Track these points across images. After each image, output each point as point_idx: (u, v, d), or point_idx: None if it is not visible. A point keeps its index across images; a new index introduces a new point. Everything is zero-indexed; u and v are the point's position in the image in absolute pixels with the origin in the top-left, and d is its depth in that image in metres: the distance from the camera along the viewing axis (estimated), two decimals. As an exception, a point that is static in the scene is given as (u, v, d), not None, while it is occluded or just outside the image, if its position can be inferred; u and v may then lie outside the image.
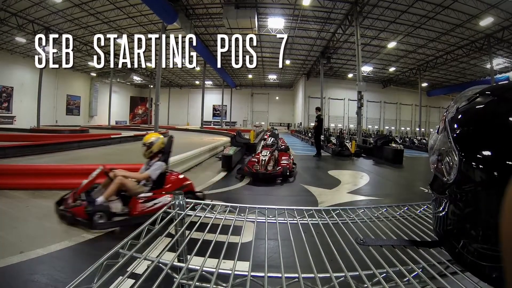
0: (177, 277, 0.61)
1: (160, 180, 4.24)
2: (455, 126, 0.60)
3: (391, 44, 24.36)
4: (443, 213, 0.63)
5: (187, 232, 0.91)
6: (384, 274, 0.61)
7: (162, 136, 4.48)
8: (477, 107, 0.58)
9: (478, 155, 0.52)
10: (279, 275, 0.60)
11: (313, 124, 13.90)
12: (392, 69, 32.73)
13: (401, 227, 0.89)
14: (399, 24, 20.84)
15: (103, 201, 3.74)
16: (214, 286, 0.58)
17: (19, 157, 9.12)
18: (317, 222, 0.92)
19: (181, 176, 4.70)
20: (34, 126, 25.06)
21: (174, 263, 0.66)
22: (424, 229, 0.87)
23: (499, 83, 0.65)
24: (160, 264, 0.64)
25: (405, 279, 0.59)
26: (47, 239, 3.33)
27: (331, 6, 18.94)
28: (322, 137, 16.91)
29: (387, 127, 37.47)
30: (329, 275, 0.60)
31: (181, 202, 1.00)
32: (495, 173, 0.49)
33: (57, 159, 9.13)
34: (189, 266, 0.67)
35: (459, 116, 0.60)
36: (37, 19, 21.74)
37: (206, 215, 0.97)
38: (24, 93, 30.52)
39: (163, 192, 4.16)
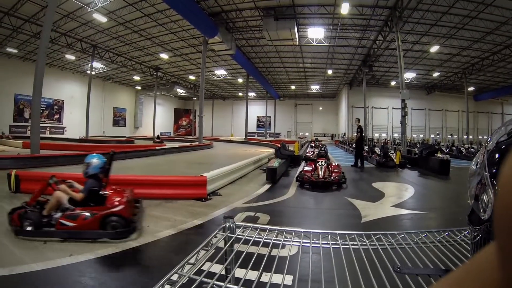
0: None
1: None
2: (493, 162, 0.56)
3: (434, 48, 23.10)
4: (480, 245, 0.63)
5: (236, 252, 1.02)
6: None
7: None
8: None
9: None
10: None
11: (356, 134, 12.93)
12: (436, 74, 31.15)
13: (438, 255, 0.92)
14: (441, 26, 19.86)
15: None
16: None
17: (69, 166, 9.93)
18: (357, 247, 0.99)
19: None
20: (83, 136, 27.16)
21: (227, 285, 0.76)
22: (462, 257, 0.89)
23: None
24: (215, 287, 0.75)
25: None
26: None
27: (370, 13, 18.54)
28: (366, 147, 16.15)
29: (433, 136, 35.58)
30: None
31: (231, 225, 1.10)
32: None
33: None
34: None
35: (498, 152, 0.57)
36: (85, 37, 24.07)
37: (255, 238, 1.07)
38: (74, 105, 33.85)
39: None
